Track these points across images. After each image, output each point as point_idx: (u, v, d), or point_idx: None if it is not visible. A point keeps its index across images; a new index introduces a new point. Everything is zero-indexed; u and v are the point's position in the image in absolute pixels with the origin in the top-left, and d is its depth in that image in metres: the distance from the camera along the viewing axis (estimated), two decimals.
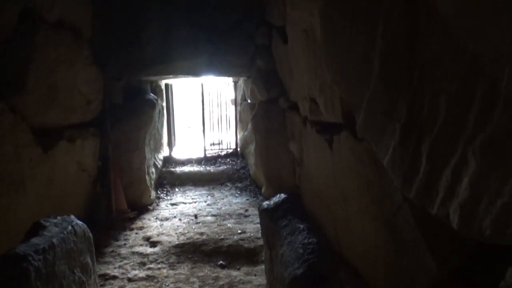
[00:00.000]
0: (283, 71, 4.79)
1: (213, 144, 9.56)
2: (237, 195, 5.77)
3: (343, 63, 2.43)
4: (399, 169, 1.86)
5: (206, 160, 7.06)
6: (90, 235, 2.42)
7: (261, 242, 3.84)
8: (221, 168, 6.73)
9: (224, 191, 5.94)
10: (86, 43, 4.22)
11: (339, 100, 3.01)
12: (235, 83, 7.15)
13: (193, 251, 3.71)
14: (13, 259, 1.57)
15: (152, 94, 5.60)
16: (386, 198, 2.39)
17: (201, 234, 4.06)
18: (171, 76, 5.40)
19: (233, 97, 8.05)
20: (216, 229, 4.22)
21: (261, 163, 5.13)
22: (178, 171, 6.51)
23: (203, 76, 5.52)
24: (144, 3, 4.83)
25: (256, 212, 4.91)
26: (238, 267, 3.44)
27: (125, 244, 3.91)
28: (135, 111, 4.95)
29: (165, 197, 5.69)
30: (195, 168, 6.70)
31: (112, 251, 3.73)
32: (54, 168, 3.63)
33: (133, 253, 3.69)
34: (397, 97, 1.85)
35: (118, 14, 4.75)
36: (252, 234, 4.03)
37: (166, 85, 6.79)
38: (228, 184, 6.25)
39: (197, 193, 5.88)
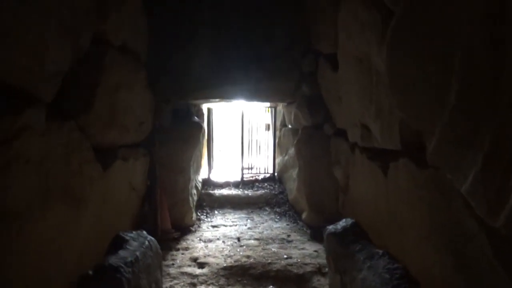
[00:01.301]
0: (329, 97, 4.84)
1: (247, 168, 9.66)
2: (276, 219, 5.75)
3: (411, 90, 2.45)
4: (482, 197, 1.83)
5: (244, 183, 7.10)
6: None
7: (309, 268, 3.80)
8: (259, 192, 6.74)
9: (263, 215, 5.94)
10: (143, 67, 4.41)
11: (398, 127, 3.01)
12: (274, 108, 7.25)
13: (241, 274, 3.69)
14: (108, 270, 1.62)
15: (196, 118, 5.75)
16: (455, 226, 2.35)
17: (248, 257, 4.04)
18: (217, 100, 5.54)
19: (267, 122, 8.15)
20: (261, 253, 4.20)
21: (304, 189, 5.12)
22: (217, 194, 6.57)
23: (250, 101, 5.62)
24: (196, 30, 5.04)
25: (299, 237, 4.89)
26: None
27: (173, 264, 3.93)
28: (182, 133, 5.08)
29: (205, 219, 5.73)
30: (233, 192, 6.75)
31: (161, 271, 3.75)
32: (110, 186, 3.75)
33: (182, 273, 3.71)
34: (479, 127, 1.84)
35: (170, 39, 4.97)
36: (299, 260, 3.98)
37: (208, 109, 6.95)
38: (267, 209, 6.24)
39: (236, 216, 5.89)
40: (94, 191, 3.42)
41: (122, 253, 1.83)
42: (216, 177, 7.29)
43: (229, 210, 6.17)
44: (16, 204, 2.42)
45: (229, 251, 4.29)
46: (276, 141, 7.12)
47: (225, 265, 3.86)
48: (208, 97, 5.30)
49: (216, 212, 6.09)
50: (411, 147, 2.99)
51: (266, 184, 7.09)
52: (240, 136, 7.24)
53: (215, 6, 5.04)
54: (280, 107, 7.13)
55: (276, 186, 6.95)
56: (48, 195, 2.74)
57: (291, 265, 3.86)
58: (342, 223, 2.31)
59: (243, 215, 5.94)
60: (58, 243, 2.88)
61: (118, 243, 2.03)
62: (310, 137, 5.11)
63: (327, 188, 5.06)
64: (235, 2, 5.04)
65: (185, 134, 5.10)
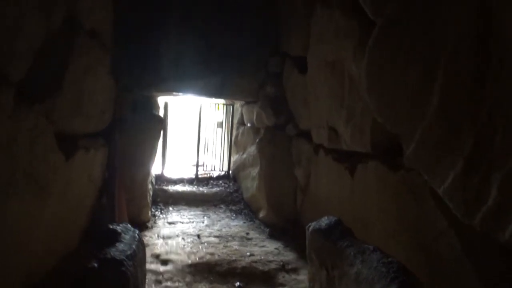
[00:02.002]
0: (294, 99, 4.97)
1: (200, 165, 9.54)
2: (233, 217, 5.76)
3: (390, 96, 2.61)
4: (461, 198, 2.01)
5: (198, 180, 7.02)
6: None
7: (273, 265, 3.88)
8: (214, 190, 6.71)
9: (219, 213, 5.91)
10: (108, 54, 4.21)
11: (370, 131, 3.20)
12: (232, 106, 7.25)
13: (207, 271, 3.66)
14: (113, 263, 1.54)
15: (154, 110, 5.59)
16: (425, 224, 2.55)
17: (212, 254, 4.02)
18: (180, 93, 5.44)
19: (219, 119, 8.13)
20: (224, 250, 4.19)
21: (264, 187, 5.20)
22: (171, 190, 6.43)
23: (215, 97, 5.59)
24: (161, 20, 4.91)
25: (258, 235, 4.95)
26: None
27: None
28: (143, 125, 4.91)
29: (160, 215, 5.58)
30: (188, 188, 6.65)
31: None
32: (72, 176, 3.53)
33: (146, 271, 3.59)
34: (460, 131, 2.03)
35: (134, 28, 4.79)
36: (263, 257, 4.04)
37: (165, 103, 6.78)
38: (222, 206, 6.22)
39: (192, 213, 5.81)
40: (57, 181, 3.20)
41: (120, 246, 1.75)
42: (169, 173, 7.13)
43: (184, 207, 6.06)
44: None
45: (191, 248, 4.23)
46: (233, 139, 7.13)
47: (189, 262, 3.80)
48: (172, 91, 5.19)
49: (170, 208, 5.95)
50: (381, 150, 3.18)
51: (220, 181, 7.07)
52: (197, 132, 7.15)
53: None
54: (238, 105, 7.16)
55: (231, 184, 6.96)
56: (13, 182, 2.54)
57: (256, 262, 3.91)
58: (325, 221, 2.39)
59: (198, 212, 5.87)
60: (21, 233, 2.67)
61: (111, 235, 1.93)
62: (272, 136, 5.20)
63: (286, 187, 5.19)
64: None
65: (145, 127, 4.94)
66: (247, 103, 6.22)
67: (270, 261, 3.96)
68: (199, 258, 3.88)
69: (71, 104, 3.37)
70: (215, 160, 7.55)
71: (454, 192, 2.05)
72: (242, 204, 6.27)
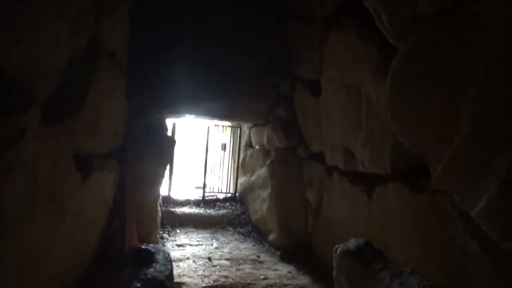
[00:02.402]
0: (306, 122, 5.00)
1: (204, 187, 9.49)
2: (241, 240, 5.69)
3: (415, 119, 2.63)
4: (496, 220, 2.00)
5: (205, 202, 6.96)
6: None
7: None
8: (221, 212, 6.65)
9: (227, 236, 5.85)
10: (124, 75, 4.25)
11: (390, 153, 3.20)
12: (240, 128, 7.28)
13: None
14: (154, 284, 1.51)
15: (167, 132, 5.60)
16: (453, 248, 2.52)
17: (226, 277, 3.94)
18: (193, 116, 5.46)
19: (223, 141, 8.14)
20: (237, 273, 4.12)
21: (275, 209, 5.16)
22: (178, 212, 6.36)
23: (226, 119, 5.61)
24: (173, 44, 4.98)
25: (269, 258, 4.88)
26: None
27: None
28: (155, 147, 4.90)
29: (168, 238, 5.50)
30: (195, 210, 6.58)
31: None
32: (87, 197, 3.49)
33: None
34: (493, 154, 2.03)
35: (147, 51, 4.84)
36: (277, 281, 3.97)
37: (173, 124, 6.80)
38: (230, 229, 6.16)
39: (200, 235, 5.74)
40: (73, 201, 3.16)
41: (157, 266, 1.72)
42: (176, 195, 7.07)
43: (192, 229, 5.99)
44: (7, 209, 2.18)
45: (203, 271, 4.15)
46: (240, 161, 7.12)
47: (204, 285, 3.72)
48: (184, 113, 5.21)
49: (178, 231, 5.88)
50: (400, 172, 3.18)
51: (227, 204, 7.01)
52: (204, 154, 7.14)
53: (198, 21, 5.04)
54: (245, 127, 7.19)
55: (238, 206, 6.90)
56: (35, 202, 2.51)
57: (271, 286, 3.84)
58: (353, 242, 2.36)
59: (207, 235, 5.80)
60: (39, 254, 2.62)
61: (146, 255, 1.89)
62: (283, 158, 5.20)
63: (297, 210, 5.15)
64: (219, 18, 5.08)
65: (158, 148, 4.93)
66: (256, 125, 6.24)
67: (286, 285, 3.90)
68: (213, 281, 3.81)
69: (89, 124, 3.37)
70: (221, 182, 7.50)
71: (489, 214, 2.04)
72: (250, 226, 6.21)
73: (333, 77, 4.10)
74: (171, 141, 5.14)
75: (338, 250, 2.39)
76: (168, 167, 6.60)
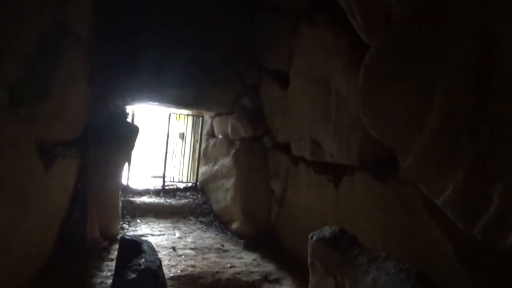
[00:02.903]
0: (272, 112, 5.07)
1: (160, 176, 9.30)
2: (204, 229, 5.69)
3: (386, 112, 2.77)
4: (461, 208, 2.17)
5: (165, 192, 6.85)
6: None
7: (256, 276, 3.89)
8: (182, 201, 6.58)
9: (189, 225, 5.81)
10: (88, 59, 4.05)
11: (358, 144, 3.35)
12: (202, 117, 7.20)
13: (192, 284, 3.59)
14: (149, 274, 1.49)
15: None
16: (417, 234, 2.71)
17: (193, 267, 3.94)
18: (156, 103, 5.32)
19: (181, 131, 8.03)
20: (204, 262, 4.13)
21: (240, 199, 5.20)
22: (138, 202, 6.21)
23: (191, 108, 5.52)
24: (138, 30, 4.80)
25: (233, 247, 4.93)
26: None
27: (112, 275, 3.57)
28: (117, 134, 4.73)
29: (129, 228, 5.37)
30: (155, 200, 6.46)
31: (101, 283, 3.43)
32: (50, 187, 3.33)
33: None
34: (460, 146, 2.20)
35: (110, 36, 4.64)
36: (244, 269, 4.03)
37: (132, 112, 6.58)
38: (192, 218, 6.12)
39: (161, 225, 5.66)
40: (36, 192, 3.00)
41: (146, 256, 1.69)
42: (135, 184, 6.88)
43: (153, 219, 5.88)
44: None
45: (169, 260, 4.11)
46: (201, 150, 7.06)
47: (171, 275, 3.68)
48: (148, 100, 5.07)
49: (138, 221, 5.75)
50: (368, 163, 3.34)
51: (188, 193, 6.94)
52: (165, 143, 6.99)
53: (165, 8, 4.89)
54: (207, 116, 7.13)
55: (199, 195, 6.86)
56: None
57: (239, 273, 3.89)
58: (328, 230, 2.46)
59: (168, 224, 5.73)
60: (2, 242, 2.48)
61: (133, 246, 1.84)
62: (249, 148, 5.24)
63: (262, 199, 5.23)
64: (187, 5, 4.97)
65: (120, 136, 4.76)
66: (219, 114, 6.21)
67: (252, 272, 3.97)
68: (180, 271, 3.79)
69: (54, 111, 3.20)
70: (182, 171, 7.41)
71: (454, 202, 2.21)
72: (212, 215, 6.21)
73: (303, 69, 4.18)
74: (134, 129, 4.99)
75: (314, 238, 2.48)
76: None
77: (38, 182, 3.00)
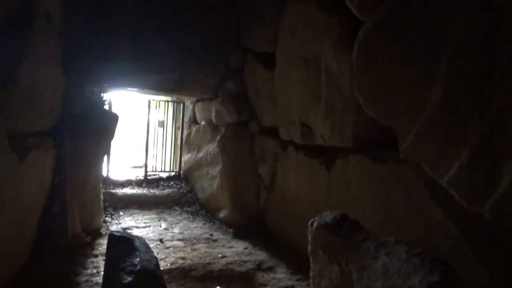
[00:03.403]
0: (258, 96, 4.89)
1: (141, 166, 9.04)
2: (191, 219, 5.52)
3: (383, 90, 2.65)
4: (467, 187, 2.08)
5: (147, 182, 6.62)
6: None
7: (249, 265, 3.76)
8: (166, 191, 6.38)
9: (175, 216, 5.63)
10: (59, 42, 3.76)
11: (352, 125, 3.22)
12: (182, 103, 6.96)
13: (183, 277, 3.43)
14: (147, 274, 1.32)
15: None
16: (417, 216, 2.62)
17: (183, 259, 3.77)
18: (136, 89, 5.05)
19: (161, 118, 7.77)
20: (194, 254, 3.97)
21: (227, 186, 5.04)
22: (119, 193, 5.98)
23: (174, 94, 5.27)
24: (116, 11, 4.51)
25: (222, 236, 4.79)
26: None
27: (98, 272, 3.41)
28: (95, 124, 4.46)
29: (112, 221, 5.15)
30: (137, 191, 6.23)
31: (87, 281, 3.23)
32: (24, 182, 3.08)
33: None
34: (465, 123, 2.10)
35: (83, 18, 4.34)
36: (236, 258, 3.90)
37: (109, 99, 6.28)
38: (177, 208, 5.94)
39: (146, 217, 5.46)
40: (10, 188, 2.76)
41: (141, 255, 1.51)
42: (115, 175, 6.62)
43: (137, 211, 5.67)
44: None
45: (157, 253, 3.91)
46: (183, 138, 6.83)
47: (161, 269, 3.51)
48: (127, 86, 4.80)
49: (121, 213, 5.53)
50: (362, 144, 3.23)
51: (171, 183, 6.73)
52: (145, 131, 6.73)
53: None
54: (188, 102, 6.90)
55: (183, 185, 6.66)
56: None
57: (231, 263, 3.75)
58: (329, 215, 2.34)
59: (153, 216, 5.53)
60: None
61: (123, 243, 1.66)
62: (234, 134, 5.06)
63: (249, 186, 5.08)
64: None
65: (98, 125, 4.49)
66: (202, 100, 6.00)
67: (245, 262, 3.84)
68: (170, 264, 3.62)
69: (24, 98, 2.93)
70: (164, 160, 7.17)
71: (460, 181, 2.11)
72: (197, 204, 6.05)
73: (290, 49, 4.00)
74: (113, 117, 4.71)
75: (315, 224, 2.36)
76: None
77: (10, 177, 2.76)
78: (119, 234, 1.81)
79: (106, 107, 5.70)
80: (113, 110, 6.21)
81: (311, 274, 2.43)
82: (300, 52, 3.83)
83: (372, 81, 2.73)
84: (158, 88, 4.95)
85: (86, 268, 3.49)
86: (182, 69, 4.86)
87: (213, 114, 5.43)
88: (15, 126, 2.96)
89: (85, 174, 4.41)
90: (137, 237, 1.96)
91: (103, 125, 4.54)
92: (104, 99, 4.94)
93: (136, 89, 5.01)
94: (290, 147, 4.28)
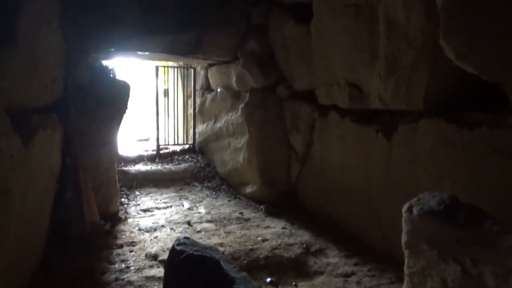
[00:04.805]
0: (287, 55, 4.27)
1: (145, 140, 8.53)
2: (214, 196, 5.06)
3: (484, 35, 2.07)
4: None
5: (160, 157, 6.09)
6: None
7: (297, 249, 3.31)
8: (182, 166, 5.86)
9: (196, 193, 5.16)
10: (59, 3, 3.09)
11: (425, 83, 2.66)
12: (194, 69, 6.30)
13: None
14: None
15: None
16: None
17: (221, 245, 3.31)
18: (147, 53, 4.41)
19: (166, 87, 7.12)
20: (230, 238, 3.52)
21: (256, 159, 4.53)
22: (132, 171, 5.47)
23: (190, 57, 4.63)
24: None
25: (254, 214, 4.32)
26: (293, 283, 2.84)
27: (128, 268, 2.95)
28: (106, 95, 3.86)
29: (129, 203, 4.68)
30: (152, 167, 5.71)
31: (117, 279, 2.76)
32: (32, 169, 2.53)
33: (149, 278, 2.79)
34: None
35: None
36: (280, 241, 3.45)
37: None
38: (196, 184, 5.46)
39: (165, 195, 4.99)
40: (17, 176, 2.22)
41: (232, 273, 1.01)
42: (125, 151, 6.07)
43: (153, 189, 5.18)
44: None
45: None
46: (196, 108, 6.23)
47: None
48: (137, 49, 4.17)
49: (137, 193, 5.04)
50: (437, 107, 2.68)
51: (186, 156, 6.20)
52: (155, 101, 6.11)
53: None
54: (199, 68, 6.25)
55: (199, 158, 6.14)
56: None
57: (276, 248, 3.29)
58: (433, 199, 1.84)
59: (173, 194, 5.05)
60: None
61: (210, 269, 1.15)
62: (261, 100, 4.49)
63: (280, 158, 4.58)
64: None
65: (109, 96, 3.89)
66: (216, 64, 5.37)
67: (290, 245, 3.38)
68: None
69: (24, 65, 2.33)
70: (176, 132, 6.60)
71: None
72: (217, 179, 5.57)
73: None
74: (124, 86, 4.09)
75: (414, 210, 1.84)
76: None
77: (16, 166, 2.21)
78: (198, 254, 1.27)
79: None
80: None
81: (407, 271, 1.94)
82: None
83: (467, 24, 2.14)
84: (172, 50, 4.31)
85: (113, 263, 3.02)
86: (198, 27, 4.21)
87: (233, 79, 4.82)
88: (16, 101, 2.39)
89: (98, 154, 3.87)
90: (221, 254, 1.43)
91: (114, 97, 3.94)
92: (110, 66, 4.28)
93: (147, 53, 4.36)
94: (332, 113, 3.73)
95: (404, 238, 1.95)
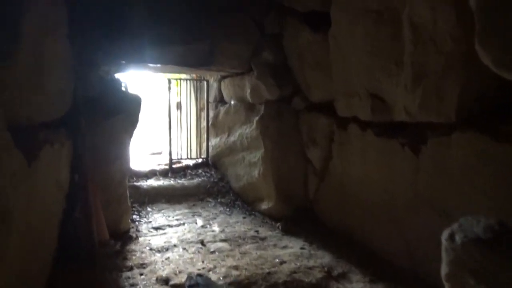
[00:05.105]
0: (303, 65, 4.10)
1: (158, 153, 8.41)
2: (228, 212, 4.86)
3: None
4: None
5: (173, 172, 5.94)
6: None
7: (317, 273, 3.07)
8: (196, 181, 5.70)
9: (209, 209, 4.97)
10: (67, 8, 2.99)
11: (457, 94, 2.45)
12: (207, 81, 6.19)
13: None
14: None
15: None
16: None
17: (236, 268, 3.10)
18: (159, 65, 4.29)
19: (178, 100, 7.01)
20: (246, 260, 3.31)
21: (271, 174, 4.33)
22: (144, 186, 5.32)
23: (201, 68, 4.49)
24: None
25: (270, 232, 4.10)
26: None
27: None
28: (116, 108, 3.74)
29: (140, 220, 4.51)
30: (164, 182, 5.56)
31: None
32: (37, 187, 2.39)
33: None
34: None
35: None
36: (299, 264, 3.22)
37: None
38: (210, 200, 5.28)
39: (177, 212, 4.81)
40: (18, 196, 2.07)
41: None
42: (137, 166, 5.94)
43: (166, 205, 5.02)
44: None
45: (202, 261, 3.28)
46: (210, 121, 6.09)
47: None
48: (149, 62, 4.03)
49: (149, 209, 4.88)
50: (470, 119, 2.46)
51: (200, 171, 6.04)
52: (167, 114, 5.99)
53: None
54: (212, 80, 6.14)
55: (213, 172, 5.97)
56: None
57: (295, 272, 3.06)
58: (479, 225, 1.61)
59: (185, 210, 4.87)
60: None
61: None
62: (276, 112, 4.32)
63: (296, 172, 4.37)
64: None
65: (120, 110, 3.77)
66: (230, 76, 5.23)
67: (310, 268, 3.15)
68: (223, 277, 2.95)
69: (29, 74, 2.21)
70: (189, 146, 6.45)
71: None
72: (231, 194, 5.38)
73: (351, 2, 3.20)
74: (135, 99, 3.97)
75: (457, 238, 1.62)
76: None
77: (19, 185, 2.06)
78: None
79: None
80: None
81: None
82: (366, 4, 3.02)
83: (508, 25, 1.93)
84: (184, 62, 4.17)
85: (122, 287, 2.84)
86: (211, 37, 4.08)
87: (248, 91, 4.66)
88: (19, 116, 2.26)
89: (109, 169, 3.73)
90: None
91: (125, 110, 3.81)
92: (120, 78, 4.18)
93: (159, 65, 4.24)
94: (353, 126, 3.52)
95: (444, 269, 1.72)
